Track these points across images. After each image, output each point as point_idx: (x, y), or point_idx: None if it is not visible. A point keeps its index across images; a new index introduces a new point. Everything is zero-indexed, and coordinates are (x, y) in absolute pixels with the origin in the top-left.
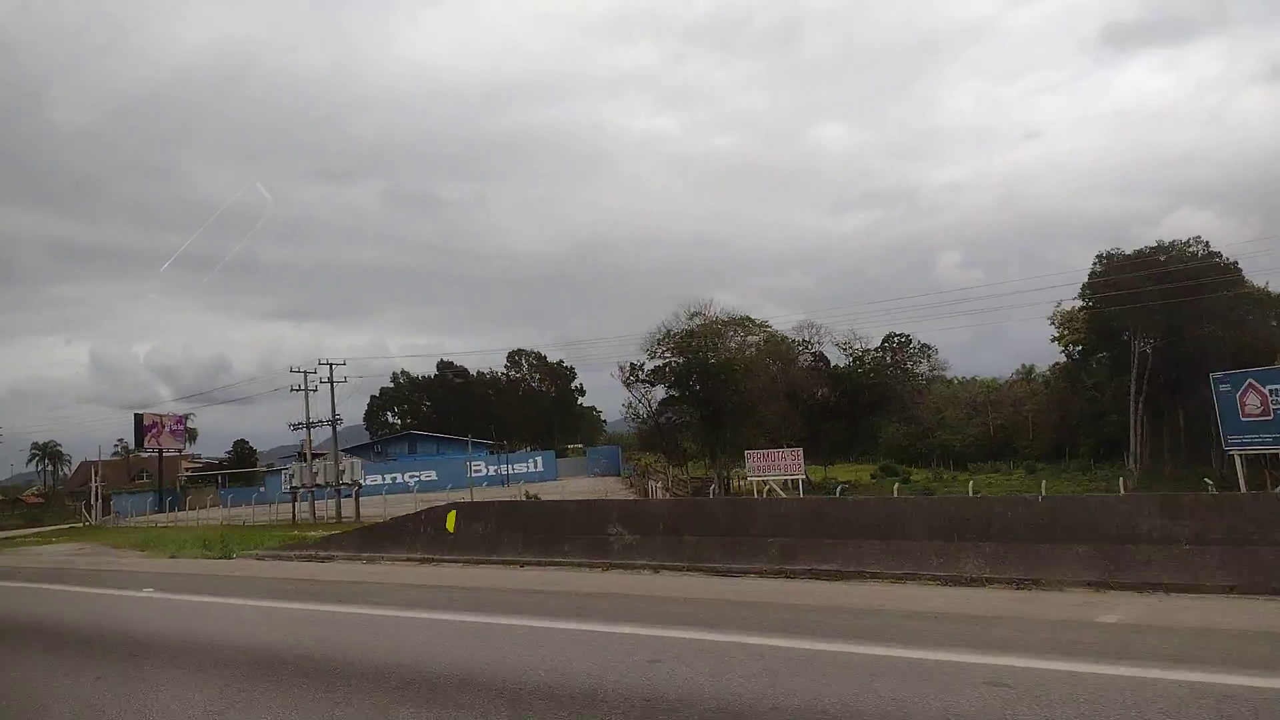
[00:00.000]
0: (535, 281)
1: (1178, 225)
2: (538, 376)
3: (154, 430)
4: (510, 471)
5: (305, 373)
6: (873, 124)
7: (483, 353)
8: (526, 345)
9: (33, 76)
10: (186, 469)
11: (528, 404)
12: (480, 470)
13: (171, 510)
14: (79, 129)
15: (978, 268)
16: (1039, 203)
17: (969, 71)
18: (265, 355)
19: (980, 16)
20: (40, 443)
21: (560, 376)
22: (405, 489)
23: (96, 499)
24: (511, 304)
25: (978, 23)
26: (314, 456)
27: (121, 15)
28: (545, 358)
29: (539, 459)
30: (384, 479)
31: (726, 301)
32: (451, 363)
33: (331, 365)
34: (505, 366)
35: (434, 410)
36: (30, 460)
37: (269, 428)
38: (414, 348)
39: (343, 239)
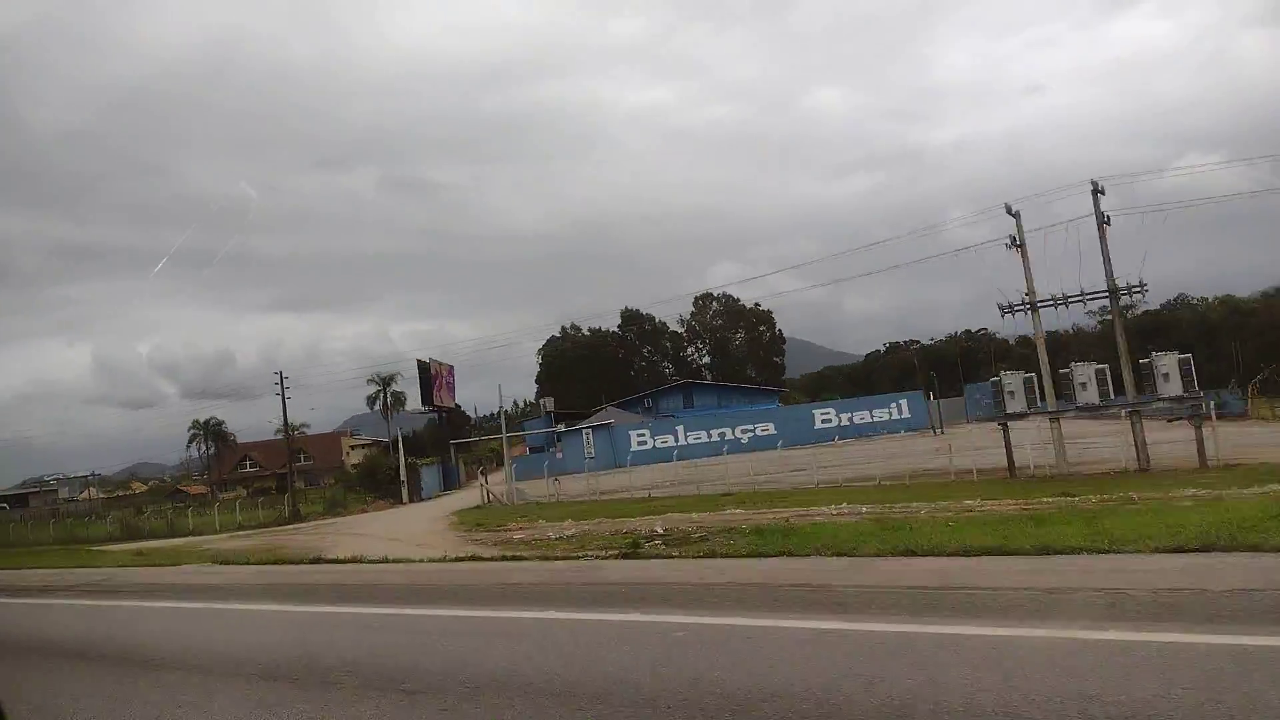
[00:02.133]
0: (535, 261)
1: (1186, 172)
2: (720, 322)
3: (435, 383)
4: (870, 420)
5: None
6: (870, 86)
7: (601, 315)
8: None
9: (23, 77)
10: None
11: (723, 349)
12: (830, 420)
13: (449, 485)
14: (71, 128)
15: (985, 225)
16: (1044, 156)
17: (965, 29)
18: (268, 348)
19: None
20: (201, 420)
21: (757, 320)
22: (715, 449)
23: (404, 476)
24: (512, 285)
25: None
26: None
27: (109, 10)
28: (736, 299)
29: (903, 403)
30: (680, 438)
31: (730, 271)
32: (638, 310)
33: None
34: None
35: (622, 365)
36: (190, 442)
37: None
38: (415, 333)
39: (340, 227)
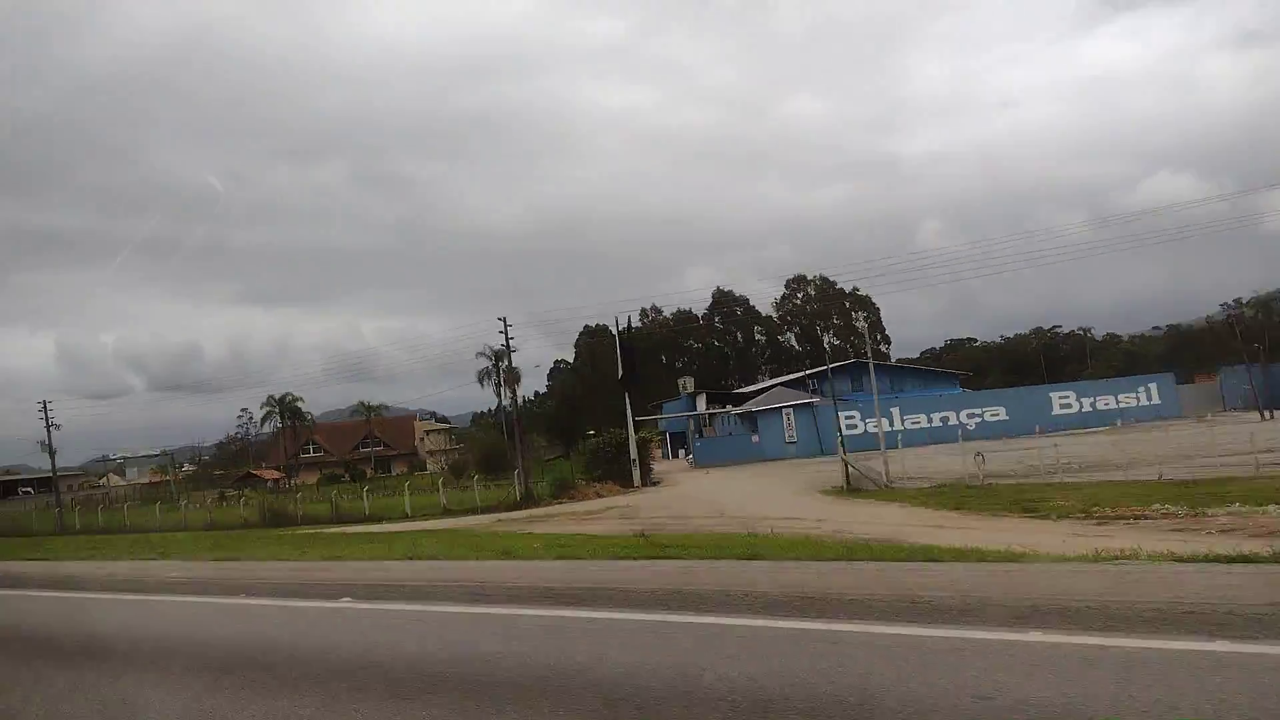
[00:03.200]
0: (507, 259)
1: (1157, 189)
2: (816, 307)
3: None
4: (1115, 405)
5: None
6: (846, 95)
7: (688, 291)
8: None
9: None
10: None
11: (811, 335)
12: (1069, 405)
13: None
14: (36, 111)
15: (960, 236)
16: (1017, 169)
17: (940, 42)
18: (236, 342)
19: None
20: (276, 396)
21: (855, 305)
22: (938, 434)
23: (635, 454)
24: (483, 282)
25: None
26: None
27: None
28: (833, 283)
29: (1152, 387)
30: (897, 422)
31: (704, 276)
32: (730, 291)
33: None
34: (782, 294)
35: (720, 346)
36: (264, 419)
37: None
38: (387, 329)
39: (311, 220)
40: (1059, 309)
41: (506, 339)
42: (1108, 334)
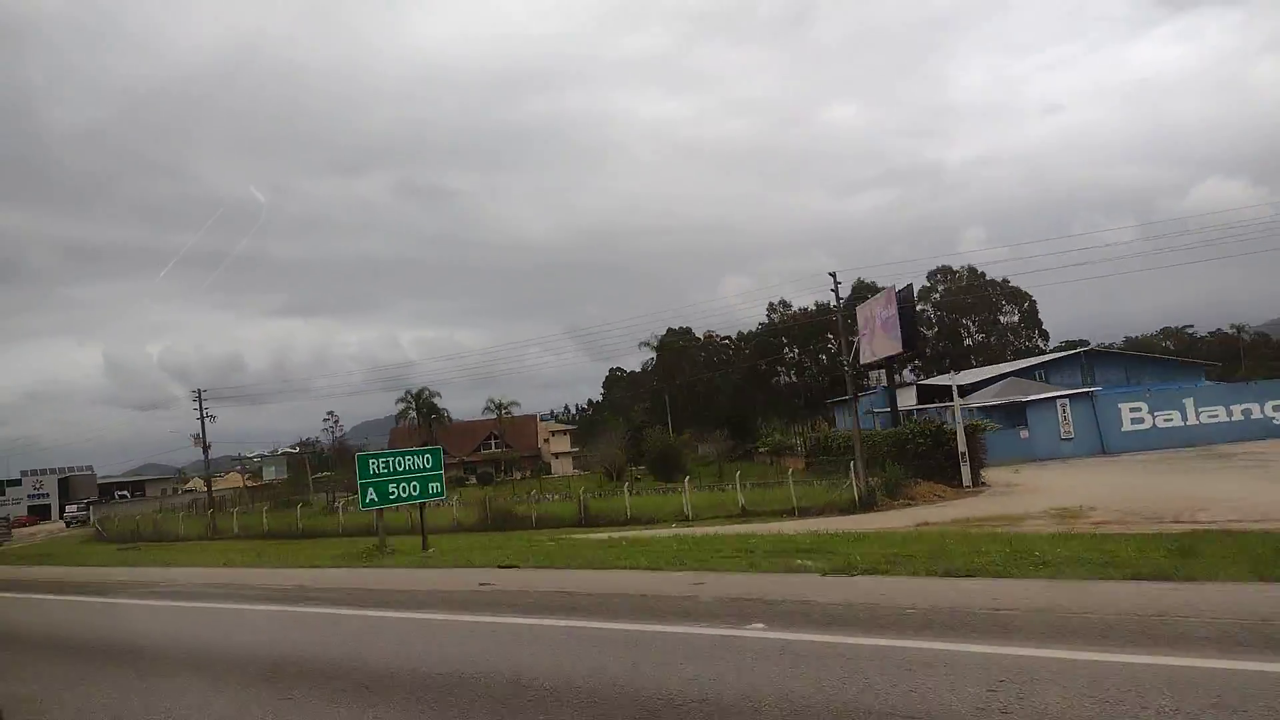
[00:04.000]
0: (545, 270)
1: (1207, 195)
2: (970, 300)
3: (867, 327)
4: None
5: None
6: (886, 102)
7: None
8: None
9: (39, 77)
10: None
11: (952, 331)
12: None
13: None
14: (86, 128)
15: (1002, 243)
16: (1062, 175)
17: (982, 47)
18: (277, 352)
19: None
20: (414, 390)
21: (1008, 299)
22: (1240, 430)
23: (964, 449)
24: (521, 294)
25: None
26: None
27: (127, 11)
28: (981, 273)
29: None
30: (1189, 416)
31: (741, 284)
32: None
33: None
34: (924, 285)
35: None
36: (399, 416)
37: (283, 425)
38: (424, 340)
39: (352, 233)
40: (1139, 312)
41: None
42: (1258, 333)
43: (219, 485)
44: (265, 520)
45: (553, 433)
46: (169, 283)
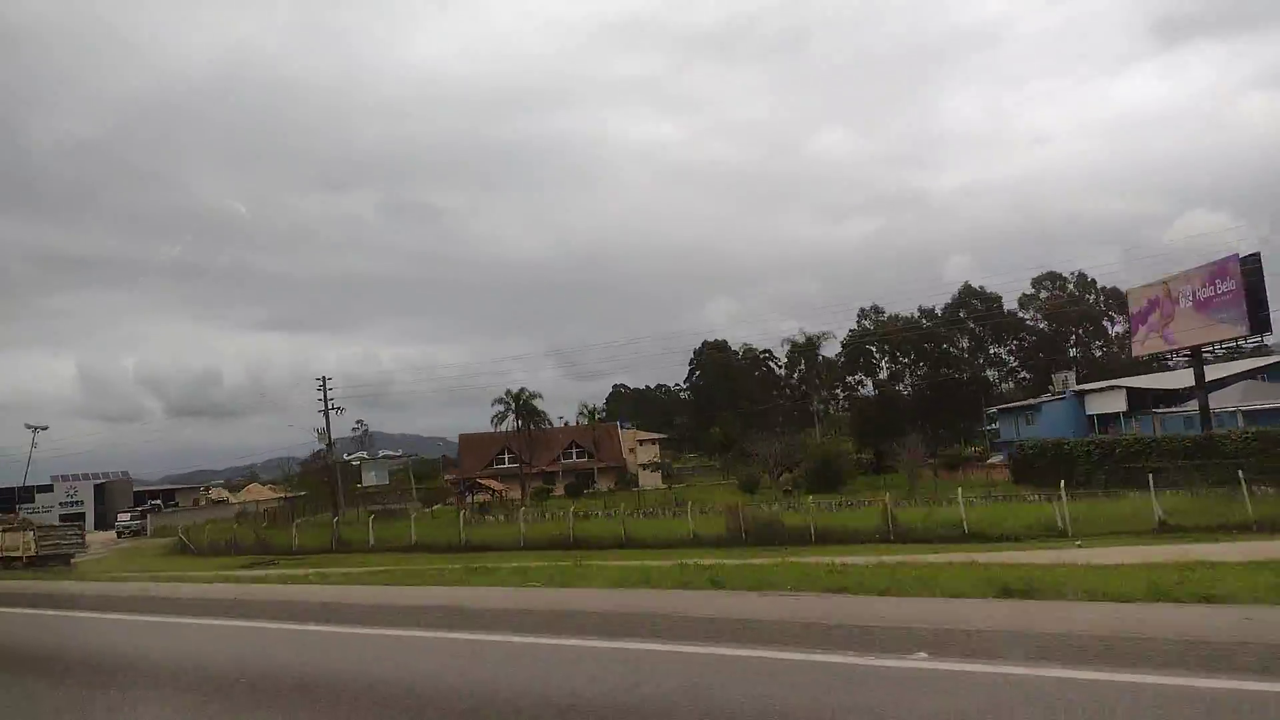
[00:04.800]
0: (530, 290)
1: (1191, 227)
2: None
3: (1149, 313)
4: None
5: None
6: (875, 130)
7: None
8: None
9: (23, 84)
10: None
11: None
12: None
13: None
14: (70, 137)
15: (990, 272)
16: (1049, 206)
17: (971, 79)
18: (254, 367)
19: (984, 23)
20: (513, 391)
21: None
22: None
23: None
24: (505, 313)
25: (982, 30)
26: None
27: (116, 22)
28: (1091, 280)
29: None
30: None
31: (729, 308)
32: (981, 288)
33: None
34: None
35: (953, 350)
36: (499, 419)
37: (260, 439)
38: (403, 357)
39: (337, 249)
40: None
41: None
42: None
43: (245, 497)
44: (414, 532)
45: (640, 442)
46: (148, 295)
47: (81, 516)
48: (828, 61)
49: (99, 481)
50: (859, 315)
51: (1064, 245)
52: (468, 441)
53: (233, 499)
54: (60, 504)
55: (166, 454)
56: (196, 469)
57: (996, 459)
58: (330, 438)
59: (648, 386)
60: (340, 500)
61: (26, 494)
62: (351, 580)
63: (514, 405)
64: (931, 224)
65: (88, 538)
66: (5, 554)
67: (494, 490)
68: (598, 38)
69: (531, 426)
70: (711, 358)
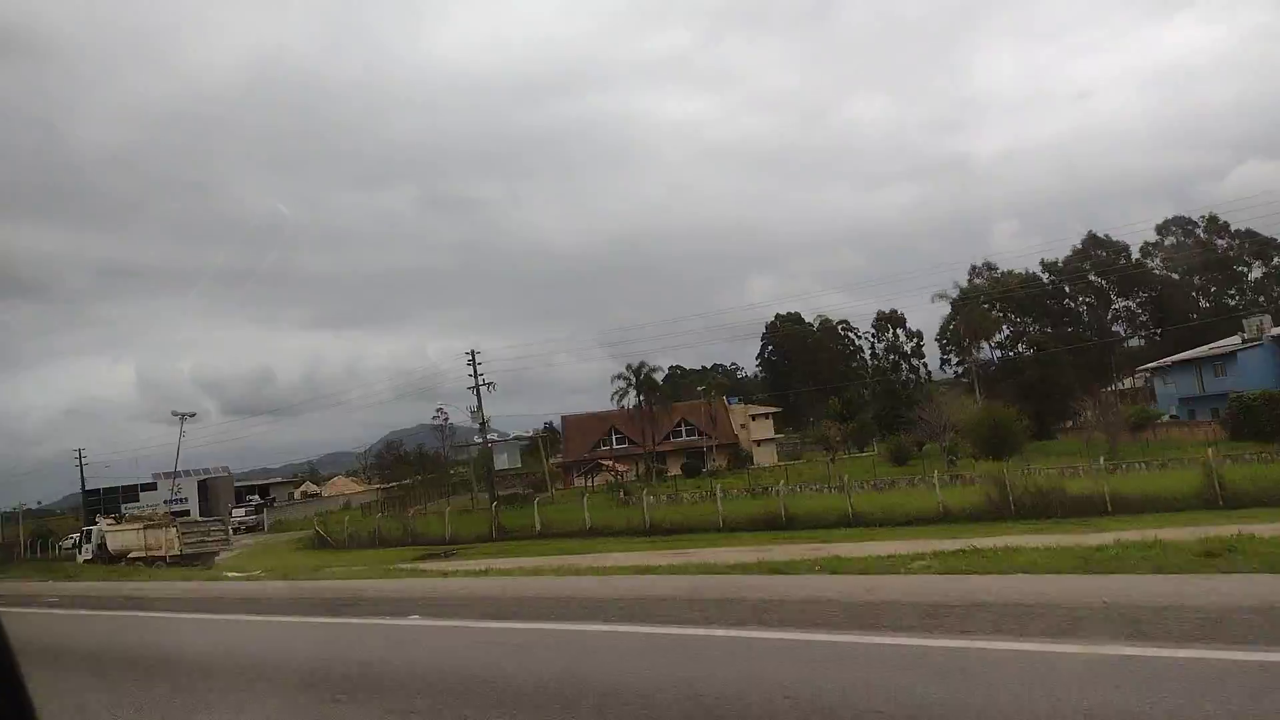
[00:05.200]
0: (572, 277)
1: (1246, 178)
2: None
3: None
4: None
5: None
6: (911, 95)
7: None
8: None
9: (69, 96)
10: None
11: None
12: None
13: None
14: (119, 148)
15: (1036, 235)
16: (1096, 164)
17: (1005, 35)
18: (307, 365)
19: None
20: (633, 365)
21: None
22: None
23: None
24: (549, 301)
25: None
26: None
27: (151, 30)
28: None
29: None
30: None
31: (769, 285)
32: (1107, 236)
33: None
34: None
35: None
36: (620, 395)
37: (315, 436)
38: (450, 350)
39: (378, 245)
40: None
41: None
42: None
43: (330, 490)
44: (588, 515)
45: (752, 417)
46: (200, 299)
47: (187, 513)
48: (858, 26)
49: (202, 478)
50: (970, 273)
51: (1113, 203)
52: (573, 423)
53: (322, 493)
54: (165, 501)
55: (223, 454)
56: (256, 466)
57: (1165, 416)
58: (484, 418)
59: (704, 367)
60: (492, 486)
61: (130, 492)
62: (652, 570)
63: (634, 380)
64: (974, 189)
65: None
66: (150, 553)
67: (617, 471)
68: (623, 16)
69: (652, 403)
70: (786, 331)
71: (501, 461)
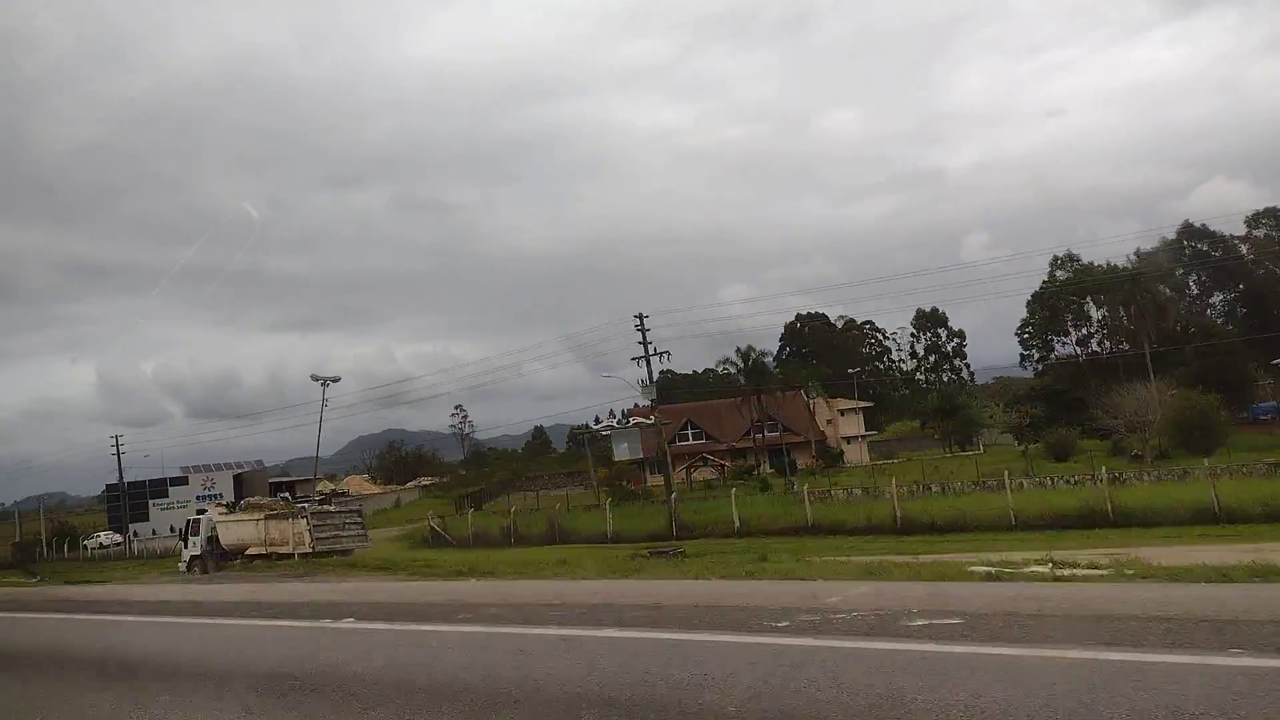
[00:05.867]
0: (544, 281)
1: (1210, 196)
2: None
3: None
4: None
5: None
6: (886, 109)
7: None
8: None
9: (37, 91)
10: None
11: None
12: None
13: None
14: (84, 143)
15: (1005, 248)
16: (1066, 179)
17: (982, 51)
18: (273, 368)
19: None
20: (741, 349)
21: None
22: None
23: None
24: (520, 306)
25: (989, 3)
26: None
27: (125, 26)
28: None
29: None
30: None
31: (741, 292)
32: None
33: None
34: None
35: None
36: (728, 365)
37: (276, 442)
38: (420, 355)
39: (350, 247)
40: None
41: None
42: None
43: (347, 488)
44: (808, 509)
45: (841, 412)
46: (164, 300)
47: (323, 499)
48: (833, 40)
49: (236, 472)
50: (1051, 265)
51: (1083, 218)
52: (642, 417)
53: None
54: (197, 497)
55: (184, 456)
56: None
57: None
58: (654, 390)
59: (695, 371)
60: (669, 477)
61: (159, 487)
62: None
63: (744, 365)
64: (948, 202)
65: None
66: (271, 548)
67: (723, 465)
68: (604, 24)
69: (762, 392)
70: (813, 328)
71: (622, 452)
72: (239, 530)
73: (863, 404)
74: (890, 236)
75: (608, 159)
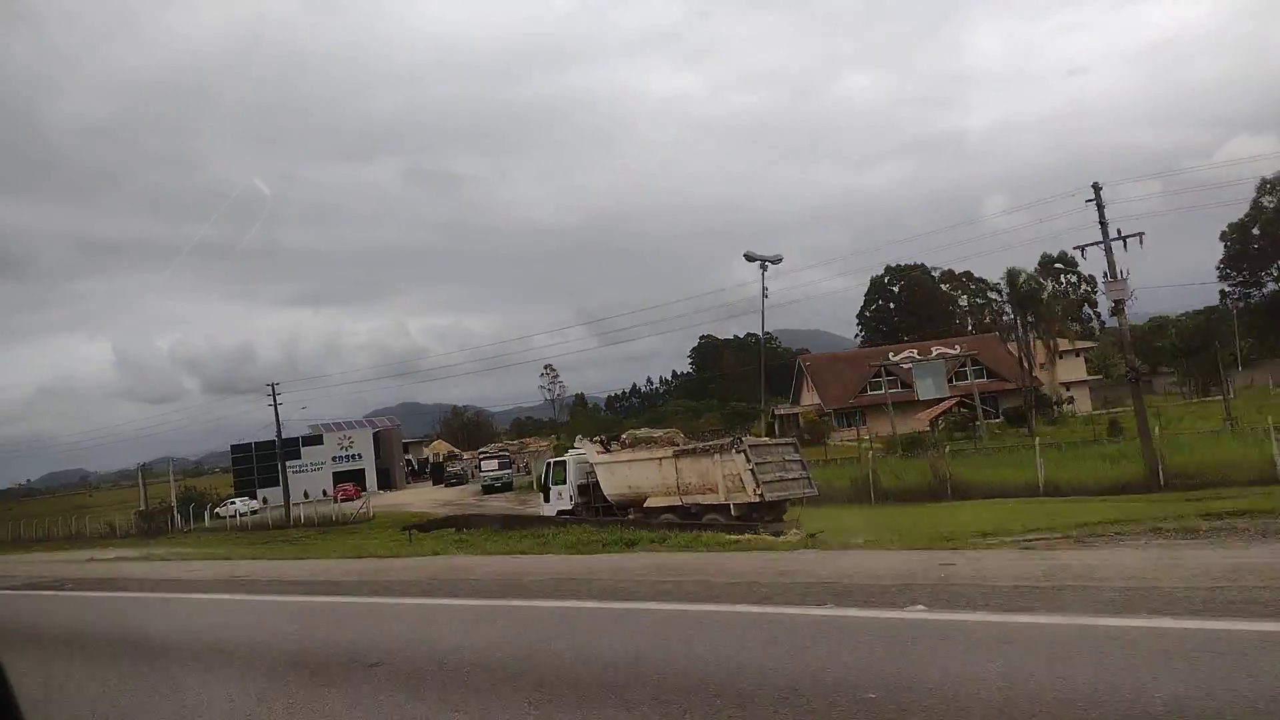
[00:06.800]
0: (557, 254)
1: (1234, 154)
2: None
3: None
4: None
5: None
6: (901, 72)
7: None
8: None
9: (47, 70)
10: None
11: None
12: None
13: None
14: (96, 121)
15: (1029, 211)
16: (1088, 139)
17: (997, 12)
18: (288, 343)
19: None
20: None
21: None
22: None
23: None
24: (532, 278)
25: None
26: None
27: (132, 2)
28: None
29: None
30: None
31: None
32: None
33: None
34: None
35: None
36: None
37: (293, 414)
38: (433, 328)
39: (362, 221)
40: None
41: None
42: None
43: (434, 451)
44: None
45: (1060, 354)
46: (178, 275)
47: (361, 473)
48: (849, 2)
49: (376, 430)
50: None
51: (1105, 178)
52: (822, 365)
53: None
54: (334, 458)
55: (200, 433)
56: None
57: None
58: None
59: (735, 336)
60: (1140, 406)
61: (291, 447)
62: None
63: (1009, 292)
64: (966, 165)
65: (384, 495)
66: (687, 500)
67: (970, 416)
68: None
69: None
70: (910, 277)
71: (926, 389)
72: (630, 473)
73: (1087, 344)
74: (906, 201)
75: (617, 129)
